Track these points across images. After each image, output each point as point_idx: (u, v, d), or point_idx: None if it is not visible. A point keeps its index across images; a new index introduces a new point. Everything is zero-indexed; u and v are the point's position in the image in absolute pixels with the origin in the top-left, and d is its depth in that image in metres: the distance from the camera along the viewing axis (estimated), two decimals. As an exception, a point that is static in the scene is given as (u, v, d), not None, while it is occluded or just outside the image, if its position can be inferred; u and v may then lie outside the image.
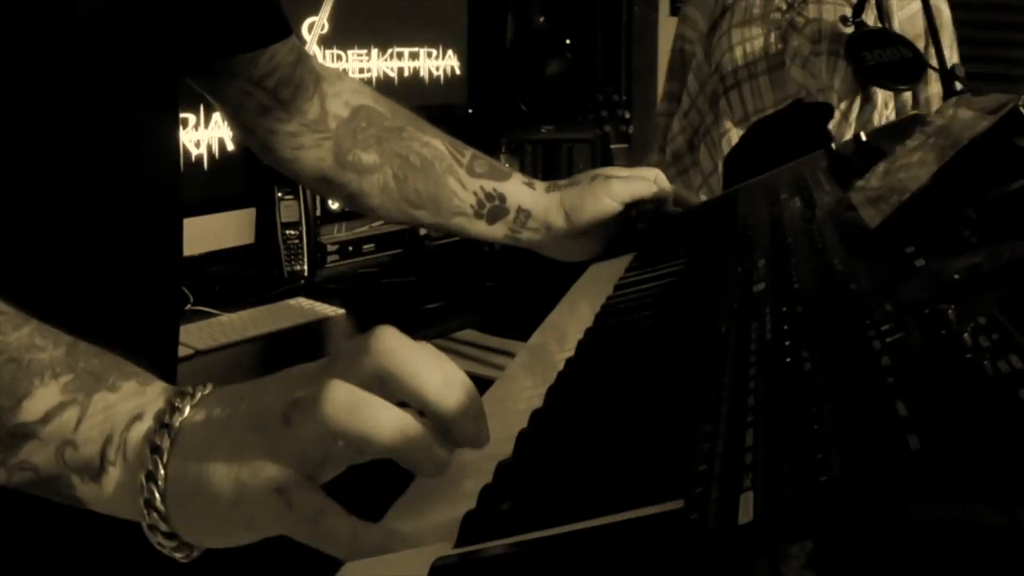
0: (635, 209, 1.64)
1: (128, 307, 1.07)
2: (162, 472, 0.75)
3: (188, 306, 2.91)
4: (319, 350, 2.76)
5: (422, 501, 0.85)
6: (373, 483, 0.84)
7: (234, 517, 0.75)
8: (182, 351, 2.51)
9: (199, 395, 0.79)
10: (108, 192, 1.03)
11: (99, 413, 0.78)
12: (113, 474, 0.77)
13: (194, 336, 2.65)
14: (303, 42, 3.21)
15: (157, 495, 0.75)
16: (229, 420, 0.77)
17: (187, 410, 0.78)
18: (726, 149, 2.62)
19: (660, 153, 2.94)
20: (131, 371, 0.81)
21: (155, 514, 0.76)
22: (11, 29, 0.92)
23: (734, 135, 2.63)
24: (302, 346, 2.75)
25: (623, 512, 0.71)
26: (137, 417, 0.78)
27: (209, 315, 2.87)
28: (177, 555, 0.79)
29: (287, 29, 1.32)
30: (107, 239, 1.04)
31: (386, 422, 0.74)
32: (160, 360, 1.13)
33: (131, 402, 0.79)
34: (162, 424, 0.77)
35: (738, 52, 2.63)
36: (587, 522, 0.72)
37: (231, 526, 0.76)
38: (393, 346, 0.79)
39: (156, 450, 0.75)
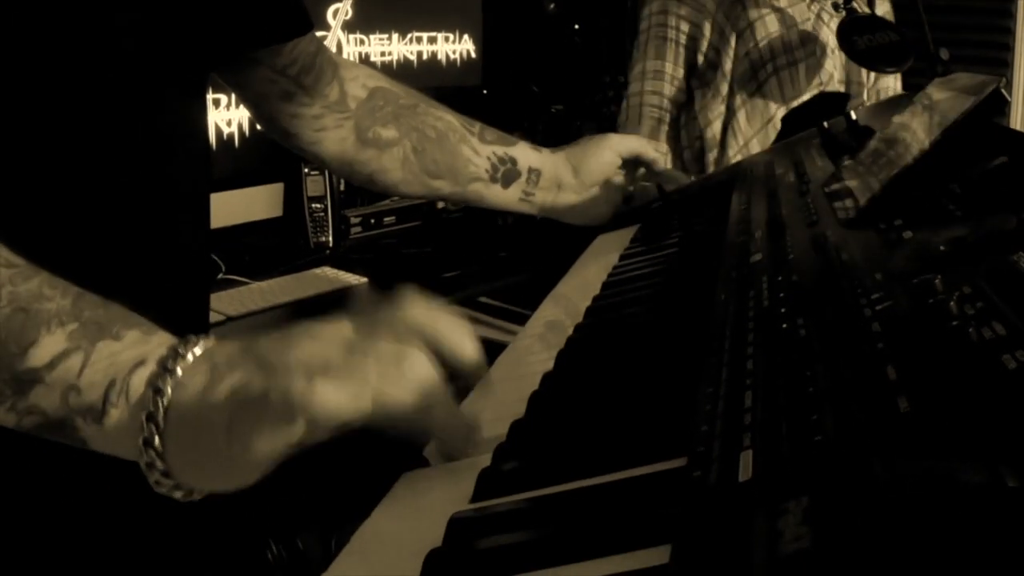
0: (638, 171, 1.65)
1: (161, 274, 1.07)
2: (162, 413, 0.75)
3: (220, 275, 2.92)
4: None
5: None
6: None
7: (232, 455, 0.74)
8: (214, 317, 2.52)
9: (201, 344, 0.79)
10: (142, 169, 1.03)
11: (103, 360, 0.78)
12: (115, 415, 0.77)
13: (225, 303, 2.66)
14: (328, 27, 3.21)
15: (156, 435, 0.75)
16: (232, 364, 0.77)
17: (189, 357, 0.78)
18: (772, 135, 2.59)
19: (650, 137, 2.88)
20: (135, 321, 0.81)
21: (152, 452, 0.76)
22: (56, 25, 0.93)
23: (777, 117, 2.62)
24: (327, 312, 2.73)
25: (629, 469, 0.71)
26: (140, 363, 0.78)
27: (240, 283, 2.87)
28: (176, 494, 0.78)
29: (310, 23, 1.33)
30: (141, 212, 1.04)
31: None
32: (192, 324, 1.14)
33: (134, 350, 0.79)
34: (164, 368, 0.77)
35: (776, 39, 2.62)
36: (595, 479, 0.72)
37: (227, 464, 0.75)
38: (427, 312, 0.80)
39: (158, 392, 0.76)
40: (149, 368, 0.77)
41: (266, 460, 0.74)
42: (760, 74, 2.67)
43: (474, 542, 0.68)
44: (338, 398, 0.72)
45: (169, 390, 0.76)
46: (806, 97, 2.50)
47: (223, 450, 0.74)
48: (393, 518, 0.78)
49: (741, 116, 2.71)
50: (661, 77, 2.81)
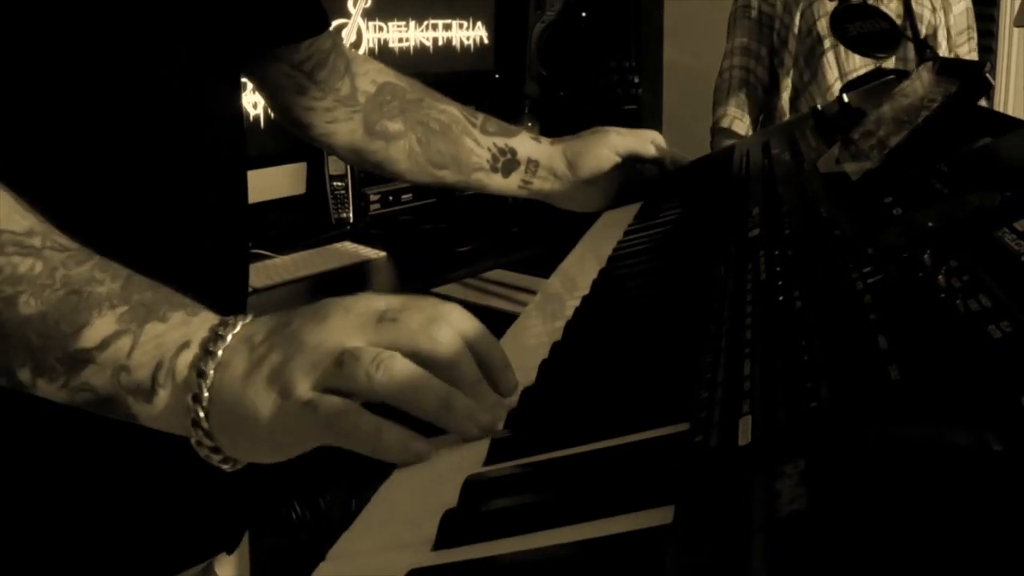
0: (638, 165, 1.64)
1: (203, 249, 1.08)
2: (206, 394, 0.76)
3: (247, 249, 2.94)
4: (363, 288, 2.78)
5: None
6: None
7: (274, 433, 0.75)
8: (241, 289, 2.54)
9: (240, 324, 0.80)
10: (183, 150, 1.04)
11: (150, 341, 0.79)
12: (163, 396, 0.78)
13: (252, 276, 2.64)
14: (349, 16, 3.21)
15: (202, 414, 0.77)
16: (270, 343, 0.77)
17: (229, 338, 0.78)
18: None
19: (738, 108, 2.96)
20: (180, 302, 0.82)
21: (200, 431, 0.77)
22: (97, 12, 0.94)
23: (835, 91, 2.66)
24: (348, 285, 2.76)
25: (634, 434, 0.71)
26: (184, 345, 0.79)
27: (265, 257, 2.89)
28: (224, 466, 0.80)
29: (327, 22, 1.35)
30: (183, 191, 1.05)
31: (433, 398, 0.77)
32: (232, 295, 1.15)
33: (179, 331, 0.80)
34: (207, 351, 0.78)
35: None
36: (603, 443, 0.72)
37: (271, 442, 0.77)
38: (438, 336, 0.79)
39: (201, 375, 0.77)
40: (193, 351, 0.79)
41: (302, 441, 0.76)
42: (817, 50, 2.73)
43: (487, 503, 0.68)
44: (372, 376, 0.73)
45: (212, 372, 0.77)
46: (864, 71, 2.52)
47: (264, 430, 0.75)
48: (411, 480, 0.78)
49: (812, 89, 2.79)
50: (748, 52, 2.93)
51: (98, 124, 0.96)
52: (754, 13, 2.92)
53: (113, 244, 0.84)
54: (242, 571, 1.30)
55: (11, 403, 0.84)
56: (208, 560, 1.16)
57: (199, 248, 1.07)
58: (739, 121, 2.98)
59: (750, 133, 2.94)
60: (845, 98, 1.58)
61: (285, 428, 0.75)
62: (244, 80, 1.28)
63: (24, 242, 0.79)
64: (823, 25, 2.74)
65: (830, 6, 2.63)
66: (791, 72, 2.87)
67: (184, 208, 1.05)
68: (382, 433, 0.74)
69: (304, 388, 0.74)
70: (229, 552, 1.19)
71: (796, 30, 2.81)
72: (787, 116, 2.86)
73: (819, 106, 1.67)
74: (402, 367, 0.75)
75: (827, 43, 2.75)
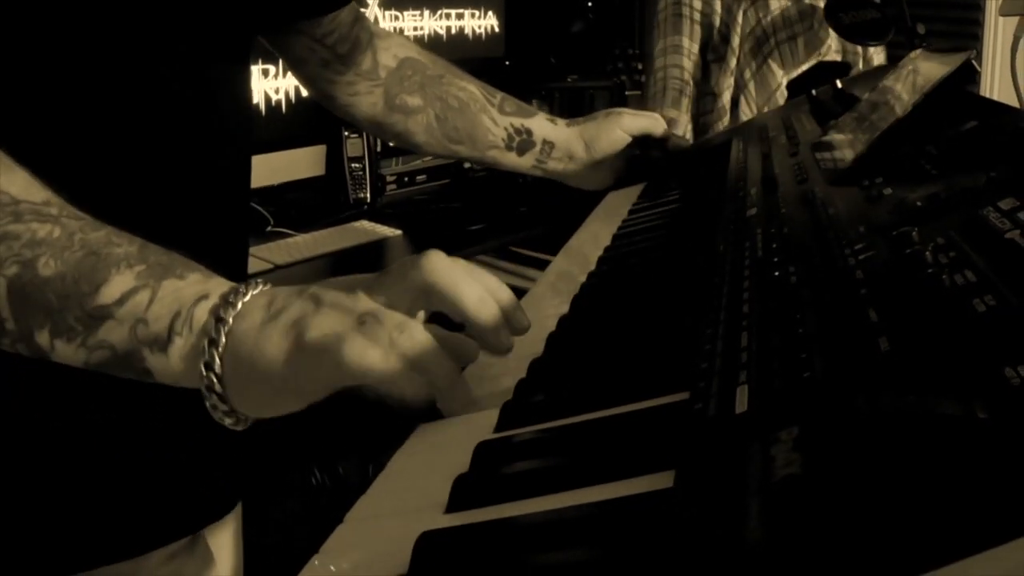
0: (642, 147, 1.63)
1: (205, 225, 1.07)
2: (223, 340, 0.74)
3: (269, 227, 2.95)
4: (379, 265, 2.77)
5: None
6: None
7: (286, 379, 0.73)
8: (263, 265, 2.54)
9: (261, 286, 0.78)
10: (190, 126, 1.02)
11: (169, 295, 0.77)
12: (179, 343, 0.76)
13: (274, 253, 2.67)
14: (365, 5, 3.20)
15: (217, 358, 0.74)
16: (288, 301, 0.76)
17: (249, 295, 0.77)
18: (780, 103, 2.60)
19: (673, 107, 2.89)
20: (196, 266, 0.81)
21: (212, 376, 0.75)
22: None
23: (783, 88, 2.64)
24: (365, 261, 2.76)
25: (637, 402, 0.71)
26: (203, 296, 0.77)
27: (286, 235, 2.89)
28: (227, 420, 0.77)
29: None
30: (189, 167, 1.04)
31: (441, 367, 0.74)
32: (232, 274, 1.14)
33: (197, 286, 0.78)
34: (227, 301, 0.76)
35: (777, 15, 2.64)
36: (607, 411, 0.72)
37: (281, 390, 0.74)
38: (439, 265, 0.78)
39: (220, 320, 0.75)
40: (212, 300, 0.77)
41: (315, 389, 0.74)
42: (764, 47, 2.68)
43: (497, 468, 0.68)
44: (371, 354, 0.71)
45: (231, 319, 0.75)
46: (806, 67, 2.50)
47: (276, 377, 0.73)
48: (425, 447, 0.78)
49: (751, 87, 2.73)
50: (679, 51, 2.82)
51: (105, 110, 0.95)
52: (686, 11, 2.83)
53: (113, 217, 0.83)
54: (236, 540, 1.29)
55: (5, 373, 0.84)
56: (198, 531, 1.14)
57: (200, 233, 1.06)
58: (675, 122, 2.86)
59: (687, 132, 2.86)
60: (839, 84, 1.57)
61: (298, 373, 0.72)
62: (270, 66, 1.27)
63: (42, 211, 0.78)
64: (768, 23, 2.69)
65: (774, 4, 2.63)
66: (732, 70, 2.81)
67: (188, 194, 1.04)
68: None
69: (330, 325, 0.72)
70: (219, 519, 1.17)
71: (739, 28, 2.75)
72: (727, 116, 2.79)
73: (787, 86, 1.66)
74: (424, 335, 0.72)
75: (772, 41, 2.71)
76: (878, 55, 2.68)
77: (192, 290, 0.78)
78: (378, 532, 0.67)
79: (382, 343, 0.71)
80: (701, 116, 2.84)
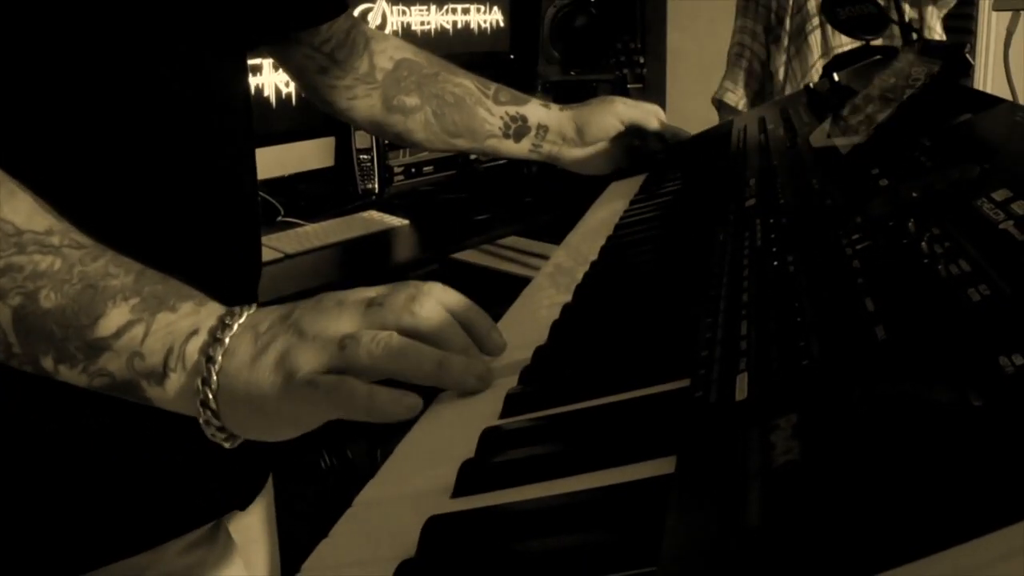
0: (642, 138, 1.63)
1: (214, 222, 1.07)
2: (215, 378, 0.77)
3: (279, 217, 2.97)
4: (387, 254, 2.80)
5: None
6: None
7: (280, 412, 0.77)
8: (274, 255, 2.55)
9: (246, 315, 0.81)
10: (187, 135, 1.02)
11: (162, 329, 0.79)
12: (174, 379, 0.79)
13: (284, 242, 2.69)
14: (375, 0, 3.20)
15: (211, 396, 0.77)
16: (273, 332, 0.78)
17: (235, 327, 0.79)
18: (815, 78, 2.69)
19: (724, 79, 3.12)
20: (189, 294, 0.83)
21: (209, 412, 0.78)
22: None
23: (819, 67, 2.71)
24: (373, 250, 2.77)
25: (639, 389, 0.71)
26: (194, 332, 0.80)
27: (296, 225, 2.91)
28: (227, 444, 0.81)
29: (344, 5, 1.36)
30: (191, 167, 1.03)
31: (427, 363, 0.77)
32: (244, 276, 1.14)
33: (189, 320, 0.80)
34: (215, 338, 0.78)
35: None
36: (609, 397, 0.72)
37: (276, 421, 0.78)
38: (426, 314, 0.80)
39: (210, 360, 0.77)
40: (202, 338, 0.79)
41: (308, 422, 0.78)
42: (807, 27, 2.79)
43: (503, 453, 0.68)
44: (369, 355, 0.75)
45: (219, 357, 0.78)
46: (849, 47, 2.54)
47: (271, 411, 0.77)
48: (431, 433, 0.78)
49: (796, 65, 2.85)
50: (746, 31, 3.04)
51: (105, 110, 0.95)
52: None
53: (123, 231, 0.85)
54: (270, 525, 1.29)
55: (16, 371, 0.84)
56: (216, 520, 1.14)
57: (210, 231, 1.06)
58: (731, 93, 3.06)
59: (742, 104, 3.03)
60: (836, 77, 1.57)
61: (290, 407, 0.76)
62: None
63: (44, 241, 0.80)
64: (812, 5, 2.79)
65: None
66: (784, 49, 2.93)
67: (194, 193, 1.04)
68: (375, 395, 0.74)
69: (308, 371, 0.75)
70: (242, 509, 1.18)
71: (790, 10, 2.88)
72: (781, 88, 2.92)
73: (809, 83, 1.68)
74: (398, 341, 0.76)
75: (815, 21, 2.80)
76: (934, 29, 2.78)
77: (184, 324, 0.81)
78: (386, 516, 0.67)
79: (363, 361, 0.75)
80: (766, 94, 3.02)
